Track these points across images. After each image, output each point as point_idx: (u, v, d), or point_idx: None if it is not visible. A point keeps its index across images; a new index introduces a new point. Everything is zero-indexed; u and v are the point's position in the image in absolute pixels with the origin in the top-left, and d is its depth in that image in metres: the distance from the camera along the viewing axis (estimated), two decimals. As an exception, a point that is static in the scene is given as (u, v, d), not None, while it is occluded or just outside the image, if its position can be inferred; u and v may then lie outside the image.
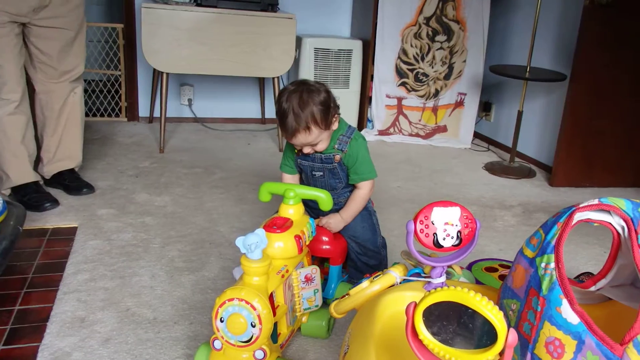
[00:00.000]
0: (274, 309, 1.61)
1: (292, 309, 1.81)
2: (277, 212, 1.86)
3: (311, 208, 2.11)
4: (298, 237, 1.75)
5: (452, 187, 3.56)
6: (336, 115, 2.00)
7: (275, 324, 1.67)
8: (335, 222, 2.08)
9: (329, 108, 1.95)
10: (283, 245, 1.73)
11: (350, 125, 2.09)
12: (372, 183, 2.09)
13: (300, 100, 1.91)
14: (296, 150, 2.09)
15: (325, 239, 2.06)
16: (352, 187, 2.13)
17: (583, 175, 3.74)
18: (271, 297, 1.62)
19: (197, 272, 2.31)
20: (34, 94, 2.89)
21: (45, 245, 2.46)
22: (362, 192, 2.09)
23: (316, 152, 2.02)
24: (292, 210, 1.84)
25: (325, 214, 2.09)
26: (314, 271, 1.84)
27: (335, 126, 2.01)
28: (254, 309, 1.52)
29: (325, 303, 1.96)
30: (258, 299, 1.53)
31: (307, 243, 1.82)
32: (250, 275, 1.57)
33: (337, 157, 2.04)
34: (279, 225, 1.76)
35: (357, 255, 2.15)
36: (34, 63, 2.80)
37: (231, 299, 1.54)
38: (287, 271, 1.73)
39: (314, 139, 1.94)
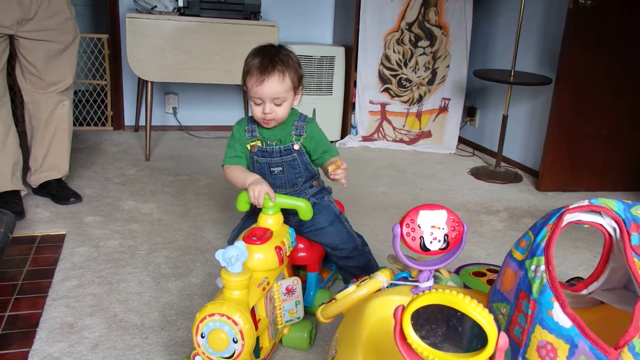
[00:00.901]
0: (255, 323, 1.58)
1: (274, 321, 1.77)
2: (256, 222, 1.83)
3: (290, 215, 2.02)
4: (278, 248, 1.71)
5: (437, 193, 3.56)
6: (301, 89, 1.98)
7: (257, 338, 1.63)
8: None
9: (300, 71, 1.94)
10: (263, 257, 1.69)
11: (301, 113, 2.06)
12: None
13: (277, 51, 1.91)
14: (248, 146, 2.03)
15: (300, 246, 2.03)
16: (312, 182, 2.08)
17: (570, 179, 3.74)
18: (253, 311, 1.59)
19: (184, 278, 2.30)
20: (24, 104, 2.91)
21: (34, 252, 2.47)
22: None
23: (275, 120, 1.94)
24: (271, 220, 1.79)
25: (305, 222, 2.02)
26: (295, 282, 1.80)
27: (297, 102, 1.98)
28: (236, 324, 1.49)
29: (305, 311, 1.93)
30: (239, 314, 1.50)
31: (288, 254, 1.78)
32: (231, 289, 1.53)
33: (296, 145, 1.99)
34: (258, 236, 1.72)
35: (343, 261, 2.11)
36: (24, 74, 2.82)
37: (212, 314, 1.51)
38: (268, 283, 1.69)
39: (284, 92, 1.89)
